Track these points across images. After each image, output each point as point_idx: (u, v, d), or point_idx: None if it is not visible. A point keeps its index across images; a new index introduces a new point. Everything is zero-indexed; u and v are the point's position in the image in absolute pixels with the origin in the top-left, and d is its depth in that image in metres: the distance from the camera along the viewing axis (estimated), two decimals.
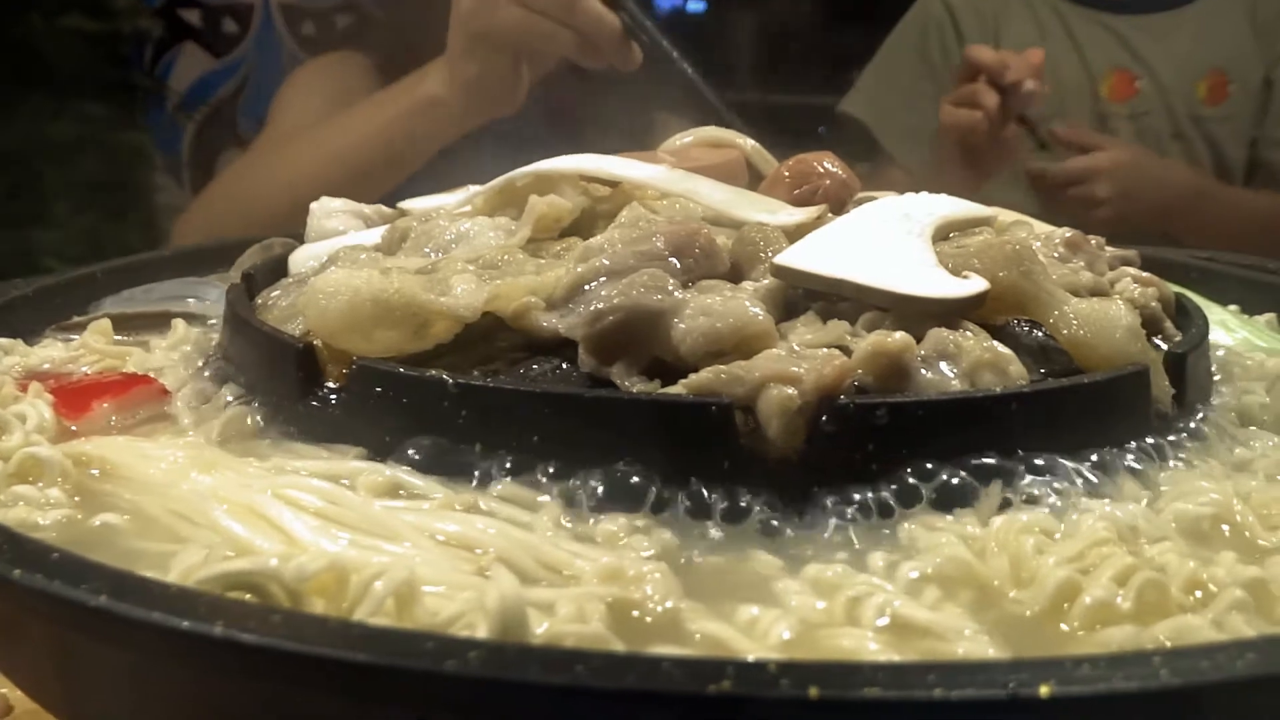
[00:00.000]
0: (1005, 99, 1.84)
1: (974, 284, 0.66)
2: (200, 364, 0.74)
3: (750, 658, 0.42)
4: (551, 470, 0.56)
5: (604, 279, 0.65)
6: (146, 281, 0.97)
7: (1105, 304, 0.67)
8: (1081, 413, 0.61)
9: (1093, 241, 0.85)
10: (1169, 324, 0.77)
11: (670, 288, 0.62)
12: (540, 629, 0.42)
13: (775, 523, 0.54)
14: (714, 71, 1.53)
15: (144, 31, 3.57)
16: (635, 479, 0.55)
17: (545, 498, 0.55)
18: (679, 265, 0.67)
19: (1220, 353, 0.88)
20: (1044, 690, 0.34)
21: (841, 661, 0.36)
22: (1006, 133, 1.88)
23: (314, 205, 0.96)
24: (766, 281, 0.67)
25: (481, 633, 0.40)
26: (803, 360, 0.57)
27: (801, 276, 0.64)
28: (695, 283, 0.67)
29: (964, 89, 1.87)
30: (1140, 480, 0.60)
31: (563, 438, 0.56)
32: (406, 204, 0.98)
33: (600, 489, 0.54)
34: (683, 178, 0.82)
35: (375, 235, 0.87)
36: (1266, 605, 0.48)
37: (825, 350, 0.59)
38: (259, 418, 0.65)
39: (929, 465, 0.56)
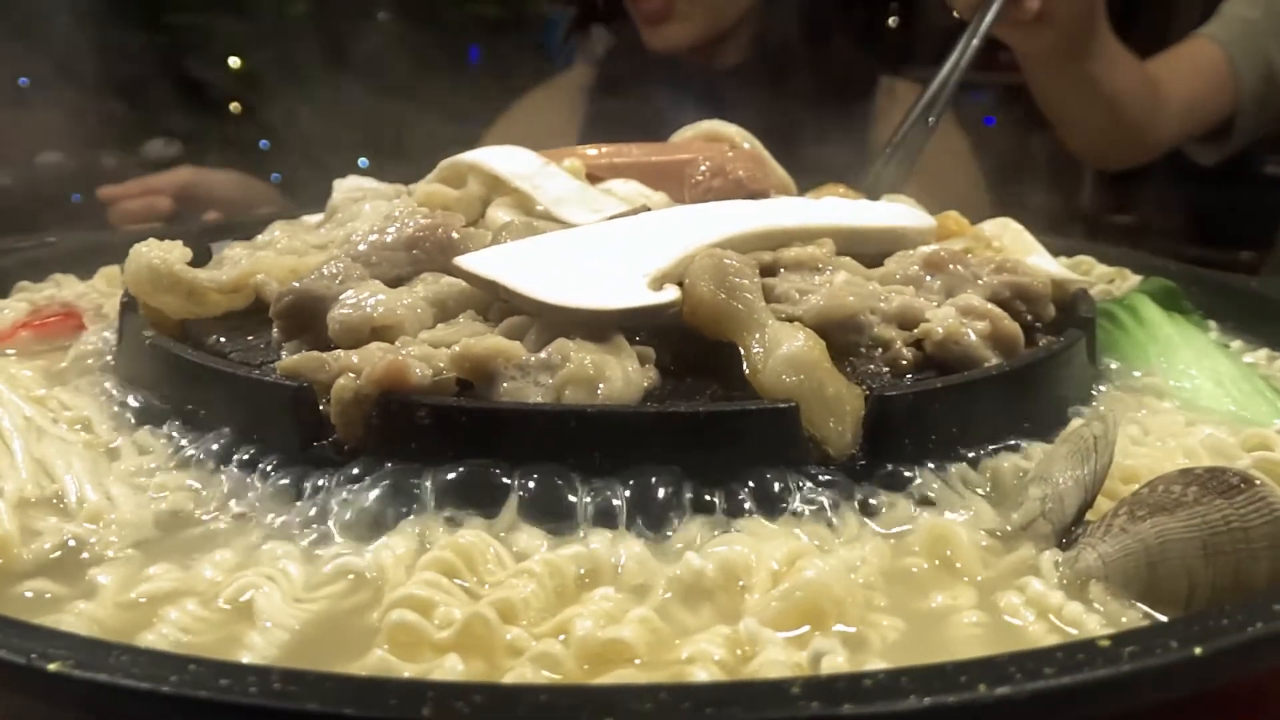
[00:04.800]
0: None
1: (649, 296, 0.63)
2: None
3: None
4: (176, 424, 0.64)
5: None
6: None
7: (784, 332, 0.60)
8: (675, 444, 0.57)
9: (972, 267, 0.75)
10: (993, 361, 0.67)
11: (354, 276, 0.67)
12: None
13: (295, 505, 0.58)
14: None
15: (551, 15, 3.97)
16: (221, 443, 0.61)
17: (159, 446, 0.63)
18: (405, 257, 0.72)
19: (1141, 413, 0.73)
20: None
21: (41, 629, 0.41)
22: None
23: (337, 181, 1.09)
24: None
25: None
26: (391, 354, 0.60)
27: (469, 277, 0.65)
28: (420, 274, 0.71)
29: None
30: (716, 525, 0.55)
31: (190, 399, 0.64)
32: (414, 186, 1.08)
33: (191, 447, 0.62)
34: (538, 173, 0.84)
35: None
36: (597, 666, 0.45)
37: (421, 347, 0.61)
38: (108, 357, 0.80)
39: (463, 470, 0.57)
